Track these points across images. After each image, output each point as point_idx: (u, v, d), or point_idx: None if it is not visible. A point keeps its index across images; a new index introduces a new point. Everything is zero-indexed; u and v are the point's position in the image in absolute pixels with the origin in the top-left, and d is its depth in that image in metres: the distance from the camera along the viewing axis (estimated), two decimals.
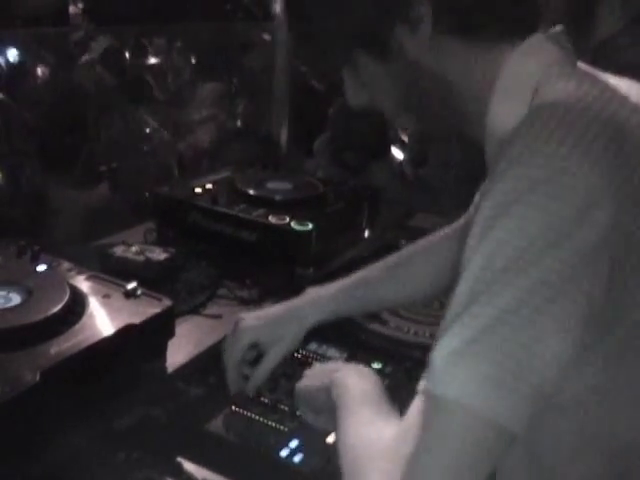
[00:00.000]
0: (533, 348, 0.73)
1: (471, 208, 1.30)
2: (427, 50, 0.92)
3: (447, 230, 1.44)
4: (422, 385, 0.80)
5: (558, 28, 0.95)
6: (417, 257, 1.44)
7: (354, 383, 1.03)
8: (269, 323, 1.33)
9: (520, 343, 0.73)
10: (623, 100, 0.83)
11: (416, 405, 0.80)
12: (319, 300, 1.37)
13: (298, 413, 1.23)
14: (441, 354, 0.77)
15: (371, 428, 0.91)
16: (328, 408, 1.05)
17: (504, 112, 0.89)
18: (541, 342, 0.73)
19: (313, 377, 1.18)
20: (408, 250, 1.46)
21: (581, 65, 0.93)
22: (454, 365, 0.75)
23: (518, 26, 0.93)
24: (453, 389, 0.74)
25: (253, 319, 1.34)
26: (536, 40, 0.92)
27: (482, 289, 0.75)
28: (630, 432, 0.89)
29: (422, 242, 1.46)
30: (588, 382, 0.85)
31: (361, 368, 1.11)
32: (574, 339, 0.75)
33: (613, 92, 0.84)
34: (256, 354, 1.33)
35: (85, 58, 2.97)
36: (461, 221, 1.40)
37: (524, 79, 0.89)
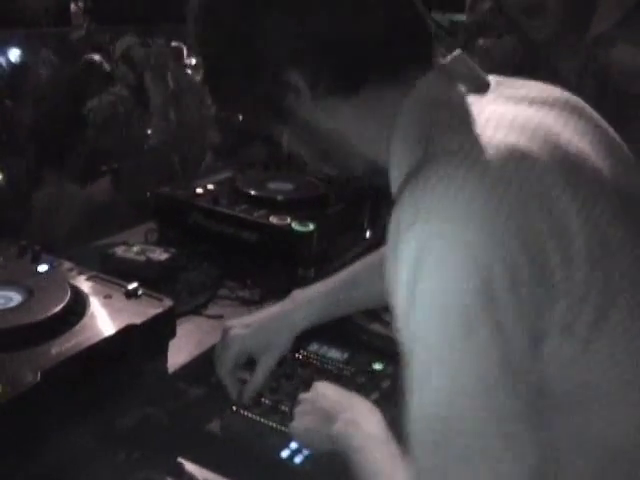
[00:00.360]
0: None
1: None
2: (315, 112, 0.94)
3: None
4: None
5: (454, 54, 0.96)
6: None
7: (360, 439, 1.04)
8: (257, 331, 1.32)
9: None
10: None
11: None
12: (307, 304, 1.35)
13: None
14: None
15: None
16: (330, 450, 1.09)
17: (403, 156, 0.90)
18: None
19: (308, 419, 1.15)
20: None
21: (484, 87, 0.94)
22: None
23: (400, 67, 0.93)
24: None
25: (241, 327, 1.33)
26: (424, 83, 0.92)
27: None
28: (625, 436, 0.90)
29: None
30: (582, 380, 0.86)
31: (360, 408, 1.11)
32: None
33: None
34: (249, 357, 1.33)
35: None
36: None
37: (416, 128, 0.89)
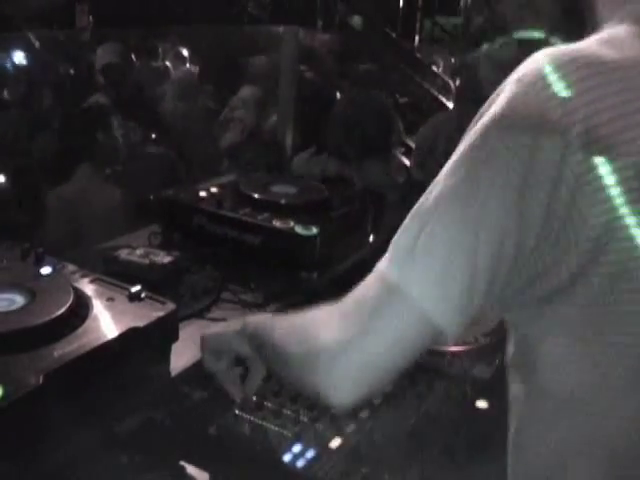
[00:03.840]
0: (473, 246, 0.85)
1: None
2: None
3: None
4: (381, 266, 0.91)
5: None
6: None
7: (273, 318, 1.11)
8: (216, 335, 1.25)
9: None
10: None
11: (369, 281, 0.93)
12: (251, 334, 1.17)
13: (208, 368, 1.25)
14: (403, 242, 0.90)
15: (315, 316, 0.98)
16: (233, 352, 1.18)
17: None
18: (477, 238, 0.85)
19: (218, 327, 1.24)
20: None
21: None
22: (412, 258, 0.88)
23: None
24: (405, 280, 0.88)
25: (215, 332, 1.27)
26: None
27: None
28: (625, 436, 0.90)
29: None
30: (582, 379, 0.88)
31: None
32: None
33: None
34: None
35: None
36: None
37: None
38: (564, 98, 0.82)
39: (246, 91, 4.18)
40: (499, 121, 0.86)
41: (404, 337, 0.89)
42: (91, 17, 2.52)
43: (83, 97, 3.74)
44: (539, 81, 0.84)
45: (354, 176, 2.54)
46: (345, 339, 0.90)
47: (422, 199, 0.91)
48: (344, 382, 0.91)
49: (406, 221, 0.91)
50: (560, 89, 0.83)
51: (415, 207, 0.91)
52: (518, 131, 0.84)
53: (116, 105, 3.53)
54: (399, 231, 0.92)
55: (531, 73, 0.86)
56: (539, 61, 0.86)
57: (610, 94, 0.82)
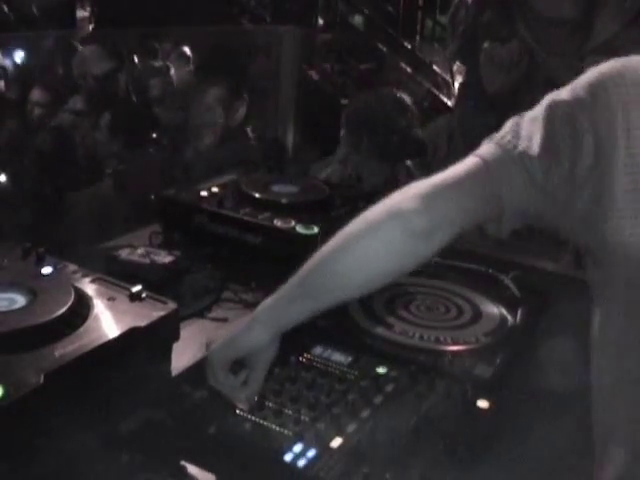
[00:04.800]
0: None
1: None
2: None
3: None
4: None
5: None
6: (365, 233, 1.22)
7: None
8: (229, 342, 1.24)
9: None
10: None
11: None
12: (270, 307, 1.25)
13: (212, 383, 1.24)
14: None
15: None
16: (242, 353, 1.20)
17: None
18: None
19: (222, 339, 1.22)
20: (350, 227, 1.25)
21: None
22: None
23: None
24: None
25: (218, 342, 1.25)
26: None
27: None
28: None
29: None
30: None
31: None
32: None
33: None
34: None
35: None
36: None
37: None
38: None
39: (209, 95, 4.16)
40: None
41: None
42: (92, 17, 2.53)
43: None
44: None
45: (362, 179, 2.55)
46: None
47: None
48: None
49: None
50: None
51: None
52: None
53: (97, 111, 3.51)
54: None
55: None
56: None
57: None
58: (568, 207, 1.08)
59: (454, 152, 2.47)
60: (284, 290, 1.22)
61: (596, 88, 1.06)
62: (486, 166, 1.10)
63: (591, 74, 1.09)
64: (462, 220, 1.12)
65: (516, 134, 1.11)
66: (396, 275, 1.19)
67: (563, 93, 1.10)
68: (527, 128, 1.10)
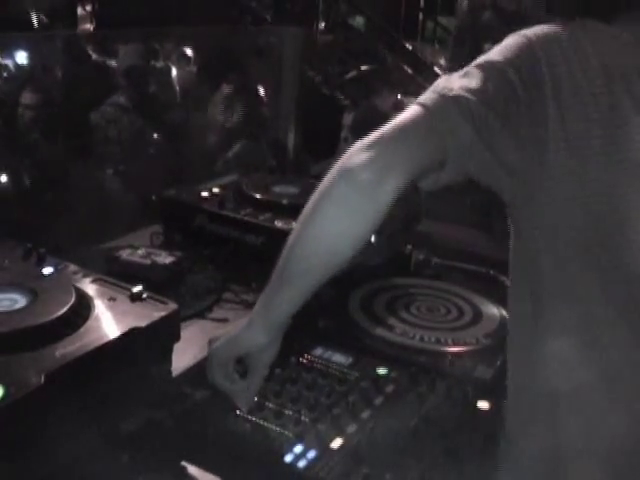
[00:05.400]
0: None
1: None
2: None
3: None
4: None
5: None
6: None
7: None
8: (231, 340, 1.24)
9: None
10: None
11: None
12: (263, 299, 1.22)
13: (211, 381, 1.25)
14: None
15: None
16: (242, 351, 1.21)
17: None
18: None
19: (222, 339, 1.23)
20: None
21: None
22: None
23: None
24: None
25: (219, 341, 1.25)
26: None
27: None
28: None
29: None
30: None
31: None
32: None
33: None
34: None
35: None
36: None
37: None
38: None
39: (210, 95, 4.15)
40: None
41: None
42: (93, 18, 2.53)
43: (97, 98, 3.71)
44: None
45: None
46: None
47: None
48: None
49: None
50: None
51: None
52: None
53: (135, 106, 3.52)
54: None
55: None
56: None
57: None
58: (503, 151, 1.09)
59: None
60: (268, 284, 1.21)
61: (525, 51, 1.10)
62: (428, 112, 1.09)
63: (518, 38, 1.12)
64: (408, 168, 1.09)
65: (449, 83, 1.12)
66: (358, 242, 1.14)
67: (492, 54, 1.13)
68: (459, 79, 1.12)
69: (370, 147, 1.09)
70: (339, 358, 1.49)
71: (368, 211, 1.10)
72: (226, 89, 3.91)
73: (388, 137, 1.09)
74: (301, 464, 1.18)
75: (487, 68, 1.10)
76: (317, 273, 1.17)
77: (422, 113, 1.10)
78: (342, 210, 1.11)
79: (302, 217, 1.16)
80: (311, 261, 1.16)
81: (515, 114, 1.07)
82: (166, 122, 3.99)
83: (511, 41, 1.12)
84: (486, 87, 1.08)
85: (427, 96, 1.12)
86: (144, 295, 1.33)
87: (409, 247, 2.01)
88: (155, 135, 3.70)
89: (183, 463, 1.19)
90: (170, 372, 1.35)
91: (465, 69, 1.13)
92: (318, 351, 1.50)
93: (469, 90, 1.08)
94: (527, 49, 1.09)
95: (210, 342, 1.26)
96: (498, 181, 1.12)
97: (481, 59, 1.13)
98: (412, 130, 1.09)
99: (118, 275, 1.47)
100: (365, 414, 1.31)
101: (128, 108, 3.33)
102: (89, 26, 2.65)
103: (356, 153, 1.09)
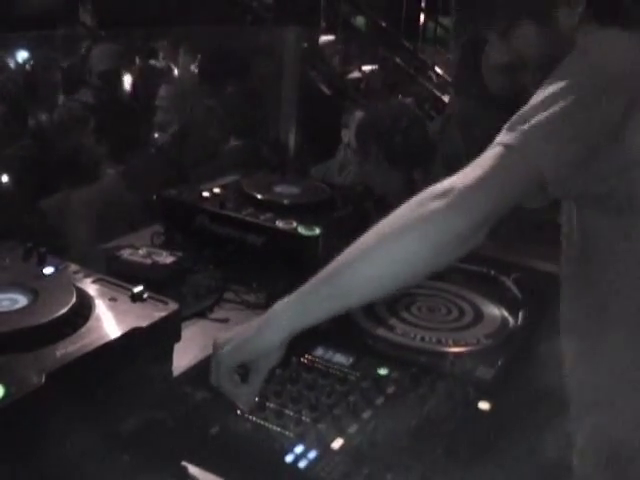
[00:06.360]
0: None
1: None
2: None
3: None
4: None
5: None
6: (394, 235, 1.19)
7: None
8: (240, 345, 1.21)
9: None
10: None
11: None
12: (288, 307, 1.21)
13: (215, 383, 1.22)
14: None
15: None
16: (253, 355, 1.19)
17: None
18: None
19: (230, 342, 1.20)
20: (383, 226, 1.21)
21: None
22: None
23: None
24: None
25: (227, 343, 1.23)
26: None
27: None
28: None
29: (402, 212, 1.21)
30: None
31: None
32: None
33: None
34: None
35: None
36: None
37: None
38: None
39: (211, 95, 4.14)
40: None
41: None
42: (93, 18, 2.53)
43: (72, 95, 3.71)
44: None
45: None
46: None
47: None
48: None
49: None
50: None
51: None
52: None
53: (104, 108, 3.52)
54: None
55: None
56: None
57: None
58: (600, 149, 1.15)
59: (454, 153, 2.47)
60: (307, 291, 1.19)
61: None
62: (511, 149, 1.12)
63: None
64: (503, 208, 1.13)
65: (521, 119, 1.15)
66: (424, 277, 1.22)
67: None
68: (531, 111, 1.15)
69: (464, 195, 1.11)
70: (340, 358, 1.49)
71: (455, 255, 1.16)
72: (227, 89, 3.91)
73: (478, 183, 1.12)
74: (302, 464, 1.18)
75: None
76: (374, 296, 1.23)
77: (506, 152, 1.13)
78: (428, 250, 1.15)
79: (377, 235, 1.18)
80: (377, 282, 1.18)
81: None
82: (166, 122, 3.99)
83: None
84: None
85: (502, 136, 1.16)
86: (145, 295, 1.33)
87: None
88: (155, 135, 3.70)
89: (184, 463, 1.19)
90: (171, 372, 1.35)
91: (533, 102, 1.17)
92: (319, 351, 1.50)
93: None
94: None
95: (215, 346, 1.23)
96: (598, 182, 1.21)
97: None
98: (502, 170, 1.13)
99: (119, 275, 1.47)
100: (366, 414, 1.31)
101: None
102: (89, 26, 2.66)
103: (448, 202, 1.11)
